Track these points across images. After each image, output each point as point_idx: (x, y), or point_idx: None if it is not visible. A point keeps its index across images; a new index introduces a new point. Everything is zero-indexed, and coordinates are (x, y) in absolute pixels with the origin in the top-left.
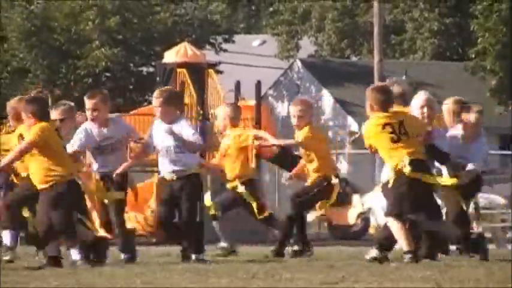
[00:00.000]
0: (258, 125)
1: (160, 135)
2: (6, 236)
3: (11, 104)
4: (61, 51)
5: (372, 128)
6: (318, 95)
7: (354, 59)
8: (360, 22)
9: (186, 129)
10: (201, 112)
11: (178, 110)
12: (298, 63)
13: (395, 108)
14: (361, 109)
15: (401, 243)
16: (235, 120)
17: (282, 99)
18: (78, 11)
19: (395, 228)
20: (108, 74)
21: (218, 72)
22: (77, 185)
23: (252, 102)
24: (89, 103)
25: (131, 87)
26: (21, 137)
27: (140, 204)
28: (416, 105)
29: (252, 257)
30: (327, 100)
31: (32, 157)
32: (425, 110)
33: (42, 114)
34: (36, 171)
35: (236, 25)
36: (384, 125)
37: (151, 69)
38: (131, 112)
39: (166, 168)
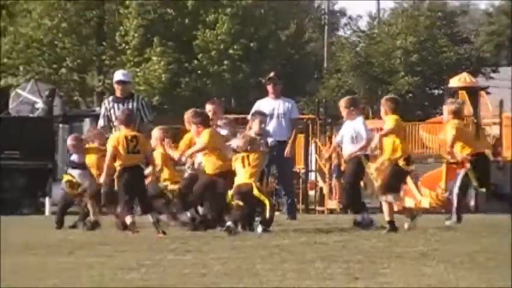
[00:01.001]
0: None
1: None
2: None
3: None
4: (377, 79)
5: None
6: None
7: None
8: None
9: None
10: (475, 121)
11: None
12: None
13: None
14: None
15: None
16: None
17: None
18: (389, 51)
19: None
20: (410, 95)
21: (487, 93)
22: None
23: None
24: None
25: (426, 103)
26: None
27: (434, 184)
28: None
29: None
30: None
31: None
32: None
33: (206, 123)
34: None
35: (501, 60)
36: None
37: (440, 92)
38: (426, 121)
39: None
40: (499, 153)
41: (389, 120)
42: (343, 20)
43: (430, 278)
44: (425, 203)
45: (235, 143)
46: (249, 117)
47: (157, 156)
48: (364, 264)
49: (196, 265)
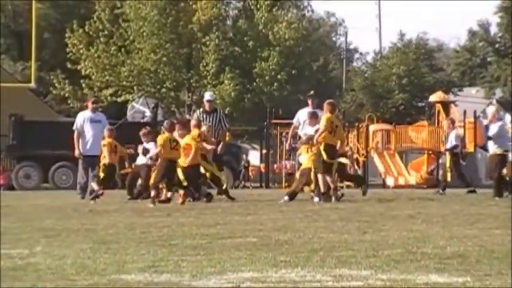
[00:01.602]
0: None
1: None
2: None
3: None
4: (380, 96)
5: None
6: None
7: None
8: None
9: None
10: None
11: None
12: None
13: None
14: None
15: None
16: None
17: None
18: (388, 76)
19: None
20: (402, 107)
21: (455, 105)
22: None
23: None
24: None
25: (413, 112)
26: None
27: (418, 168)
28: None
29: None
30: None
31: None
32: None
33: None
34: None
35: (464, 82)
36: None
37: (423, 104)
38: (413, 124)
39: None
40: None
41: (322, 120)
42: (356, 55)
43: (415, 232)
44: (412, 181)
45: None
46: (293, 121)
47: None
48: (370, 223)
49: (254, 223)
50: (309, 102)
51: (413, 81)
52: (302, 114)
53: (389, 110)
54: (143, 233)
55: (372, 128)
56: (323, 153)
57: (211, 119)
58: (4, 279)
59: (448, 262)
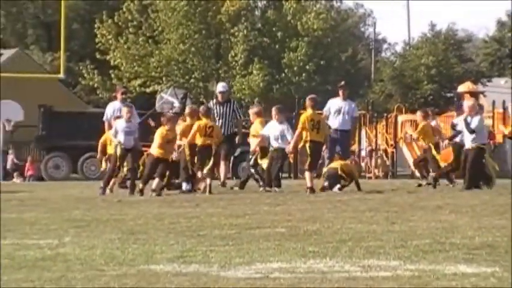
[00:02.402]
0: None
1: None
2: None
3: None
4: (408, 86)
5: None
6: None
7: None
8: None
9: None
10: None
11: None
12: None
13: None
14: None
15: None
16: None
17: None
18: (417, 67)
19: None
20: (431, 97)
21: (484, 96)
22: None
23: None
24: None
25: (442, 103)
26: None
27: (447, 159)
28: None
29: None
30: None
31: None
32: None
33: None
34: None
35: (493, 73)
36: None
37: (452, 94)
38: (442, 115)
39: None
40: (493, 137)
41: (301, 117)
42: (385, 45)
43: (444, 223)
44: None
45: None
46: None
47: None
48: (399, 214)
49: (283, 213)
50: (340, 92)
51: (442, 72)
52: (333, 104)
53: (418, 100)
54: (172, 223)
55: (400, 118)
56: (308, 150)
57: (225, 110)
58: (33, 269)
59: (476, 252)
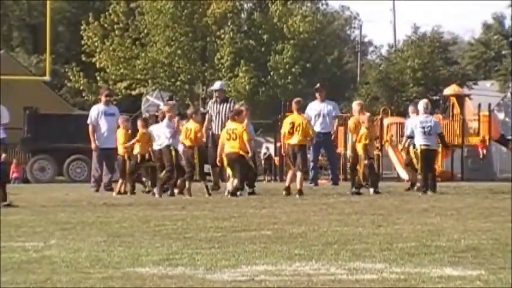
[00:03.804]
0: None
1: None
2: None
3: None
4: (394, 89)
5: None
6: None
7: None
8: None
9: None
10: (462, 118)
11: None
12: None
13: None
14: None
15: None
16: None
17: None
18: (402, 70)
19: None
20: (416, 100)
21: (470, 99)
22: None
23: None
24: None
25: None
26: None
27: None
28: None
29: None
30: None
31: None
32: None
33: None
34: None
35: (479, 76)
36: None
37: (438, 97)
38: None
39: None
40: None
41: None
42: (371, 48)
43: (430, 225)
44: None
45: None
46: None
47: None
48: (385, 216)
49: (269, 216)
50: (317, 95)
51: (427, 75)
52: (312, 108)
53: (403, 103)
54: (158, 226)
55: (386, 121)
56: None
57: (222, 109)
58: (19, 271)
59: (462, 255)
